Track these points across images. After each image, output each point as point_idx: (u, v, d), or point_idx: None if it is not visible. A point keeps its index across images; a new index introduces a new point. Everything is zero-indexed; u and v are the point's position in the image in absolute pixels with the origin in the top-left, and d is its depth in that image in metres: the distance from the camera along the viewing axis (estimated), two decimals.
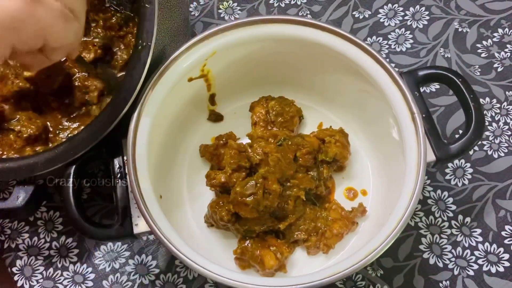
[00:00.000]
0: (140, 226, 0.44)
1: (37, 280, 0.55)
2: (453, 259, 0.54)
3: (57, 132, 0.50)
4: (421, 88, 0.47)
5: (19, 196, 0.47)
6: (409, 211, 0.41)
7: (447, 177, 0.57)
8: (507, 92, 0.61)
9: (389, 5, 0.66)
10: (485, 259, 0.54)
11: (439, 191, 0.57)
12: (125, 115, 0.44)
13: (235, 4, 0.68)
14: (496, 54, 0.63)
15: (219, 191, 0.51)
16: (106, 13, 0.51)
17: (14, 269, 0.56)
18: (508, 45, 0.63)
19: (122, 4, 0.51)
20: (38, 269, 0.55)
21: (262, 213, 0.47)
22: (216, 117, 0.58)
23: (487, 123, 0.59)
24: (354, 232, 0.52)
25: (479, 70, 0.62)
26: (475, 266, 0.54)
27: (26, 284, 0.55)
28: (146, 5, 0.44)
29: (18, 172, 0.45)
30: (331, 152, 0.51)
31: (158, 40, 0.45)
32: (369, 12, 0.66)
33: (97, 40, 0.52)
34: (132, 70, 0.44)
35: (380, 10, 0.66)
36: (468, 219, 0.55)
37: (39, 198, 0.49)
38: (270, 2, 0.67)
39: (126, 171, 0.45)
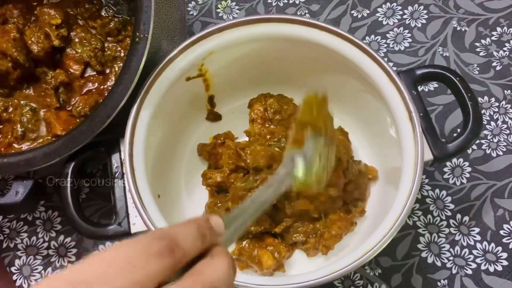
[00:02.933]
0: (137, 225, 0.44)
1: (35, 280, 0.55)
2: (451, 258, 0.54)
3: None
4: (419, 87, 0.47)
5: (18, 191, 0.46)
6: (406, 210, 0.41)
7: (446, 176, 0.57)
8: (505, 91, 0.61)
9: (388, 4, 0.66)
10: (483, 258, 0.54)
11: (437, 190, 0.57)
12: (122, 112, 0.44)
13: (234, 3, 0.67)
14: (495, 53, 0.62)
15: (215, 190, 0.51)
16: (104, 19, 0.51)
17: (12, 269, 0.56)
18: (506, 44, 0.63)
19: (118, 4, 0.51)
20: (36, 269, 0.55)
21: None
22: (214, 117, 0.58)
23: (485, 122, 0.59)
24: (353, 233, 0.52)
25: (478, 69, 0.62)
26: (473, 265, 0.53)
27: (24, 283, 0.55)
28: None
29: (17, 167, 0.45)
30: None
31: (155, 35, 0.44)
32: (368, 11, 0.66)
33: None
34: (129, 62, 0.44)
35: (379, 9, 0.66)
36: (466, 218, 0.55)
37: (38, 193, 0.48)
38: (269, 1, 0.67)
39: (124, 171, 0.45)
